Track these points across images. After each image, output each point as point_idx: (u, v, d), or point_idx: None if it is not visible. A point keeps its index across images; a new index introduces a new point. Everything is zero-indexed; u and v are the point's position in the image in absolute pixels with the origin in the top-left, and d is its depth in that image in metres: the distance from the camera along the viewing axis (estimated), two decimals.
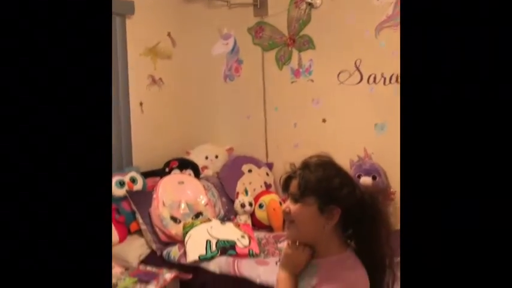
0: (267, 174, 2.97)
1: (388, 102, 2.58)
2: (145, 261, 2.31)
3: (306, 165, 1.14)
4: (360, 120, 2.70)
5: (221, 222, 2.36)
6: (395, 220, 2.70)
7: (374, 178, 2.52)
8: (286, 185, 1.15)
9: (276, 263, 2.08)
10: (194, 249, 2.17)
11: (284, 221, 2.52)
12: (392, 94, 2.54)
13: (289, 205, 1.12)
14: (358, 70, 2.68)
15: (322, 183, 1.09)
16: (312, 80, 2.86)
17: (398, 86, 2.52)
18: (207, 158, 3.01)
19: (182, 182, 2.52)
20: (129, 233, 2.45)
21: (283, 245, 2.35)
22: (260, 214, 2.63)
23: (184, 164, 2.66)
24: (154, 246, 2.34)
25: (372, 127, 2.66)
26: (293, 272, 1.13)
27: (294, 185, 1.12)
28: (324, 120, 2.83)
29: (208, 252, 2.15)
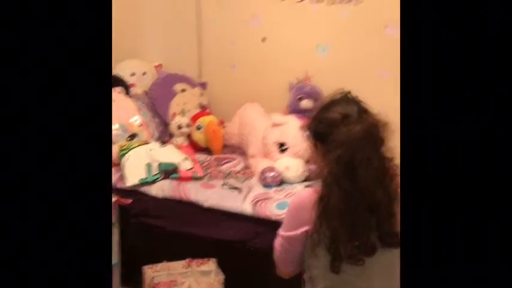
0: (201, 94, 2.81)
1: (331, 23, 2.50)
2: None
3: None
4: (301, 40, 2.59)
5: (161, 145, 2.20)
6: None
7: (315, 101, 2.49)
8: None
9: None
10: (134, 172, 2.02)
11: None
12: (336, 15, 2.47)
13: None
14: None
15: None
16: None
17: (343, 7, 2.44)
18: (133, 74, 2.74)
19: (113, 101, 2.26)
20: None
21: (226, 167, 2.29)
22: (198, 136, 2.50)
23: (114, 81, 2.39)
24: None
25: (314, 48, 2.59)
26: None
27: None
28: (263, 39, 2.69)
29: (150, 175, 2.01)
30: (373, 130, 1.10)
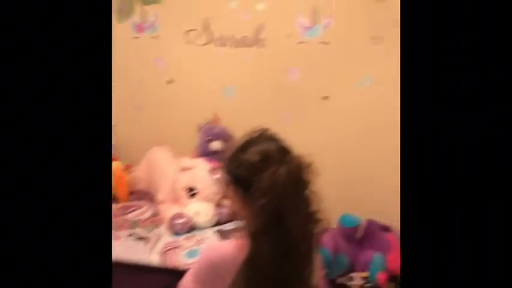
0: None
1: (236, 65, 2.54)
2: None
3: None
4: (208, 82, 2.60)
5: None
6: None
7: (225, 143, 2.48)
8: None
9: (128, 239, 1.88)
10: None
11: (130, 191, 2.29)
12: (240, 58, 2.51)
13: None
14: (207, 30, 2.57)
15: None
16: (157, 37, 2.63)
17: (246, 50, 2.50)
18: None
19: None
20: None
21: (133, 215, 2.15)
22: None
23: None
24: None
25: (221, 90, 2.60)
26: None
27: None
28: (170, 81, 2.65)
29: None
30: (297, 172, 1.02)
